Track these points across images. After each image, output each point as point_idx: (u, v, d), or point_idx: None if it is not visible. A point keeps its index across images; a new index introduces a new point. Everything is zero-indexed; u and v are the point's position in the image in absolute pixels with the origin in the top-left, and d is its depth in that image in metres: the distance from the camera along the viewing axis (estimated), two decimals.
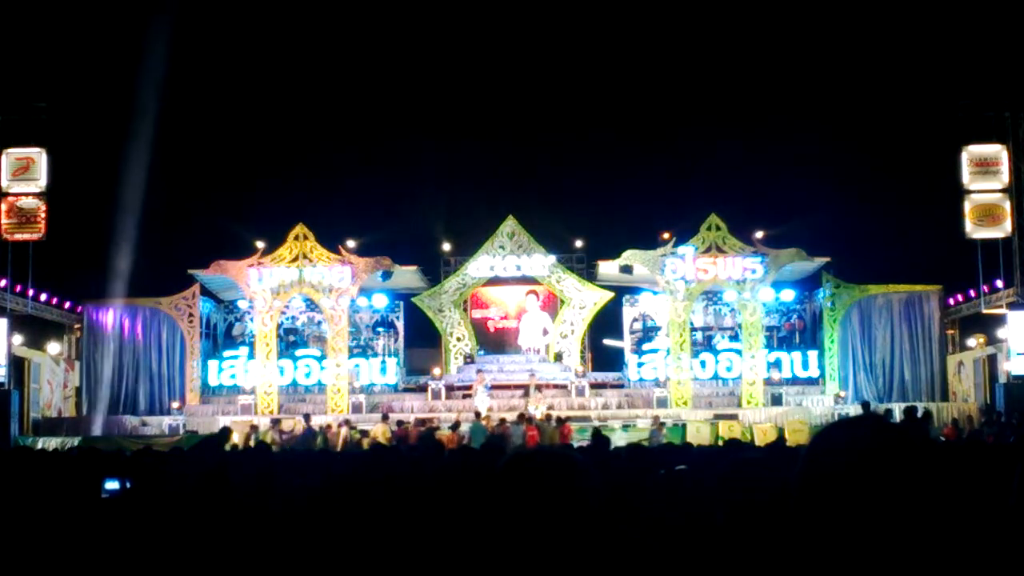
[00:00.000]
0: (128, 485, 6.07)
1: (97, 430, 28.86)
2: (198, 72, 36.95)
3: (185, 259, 31.73)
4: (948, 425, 27.02)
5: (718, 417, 28.14)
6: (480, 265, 32.95)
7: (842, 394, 30.72)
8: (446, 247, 34.39)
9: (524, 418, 25.53)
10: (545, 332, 34.12)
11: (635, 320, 34.29)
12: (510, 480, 2.33)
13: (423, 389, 31.75)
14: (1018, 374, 27.39)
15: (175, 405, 31.11)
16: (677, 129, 37.44)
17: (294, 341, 33.53)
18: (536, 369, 31.26)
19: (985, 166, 29.22)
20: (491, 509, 2.31)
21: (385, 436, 24.57)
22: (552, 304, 34.36)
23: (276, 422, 26.65)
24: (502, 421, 25.30)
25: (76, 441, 24.75)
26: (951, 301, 31.86)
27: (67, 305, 31.89)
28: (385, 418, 26.37)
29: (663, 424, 25.85)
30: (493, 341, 34.54)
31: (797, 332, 33.61)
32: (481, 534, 2.30)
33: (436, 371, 32.28)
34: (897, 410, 26.41)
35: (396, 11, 39.31)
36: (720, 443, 24.50)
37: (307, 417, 26.67)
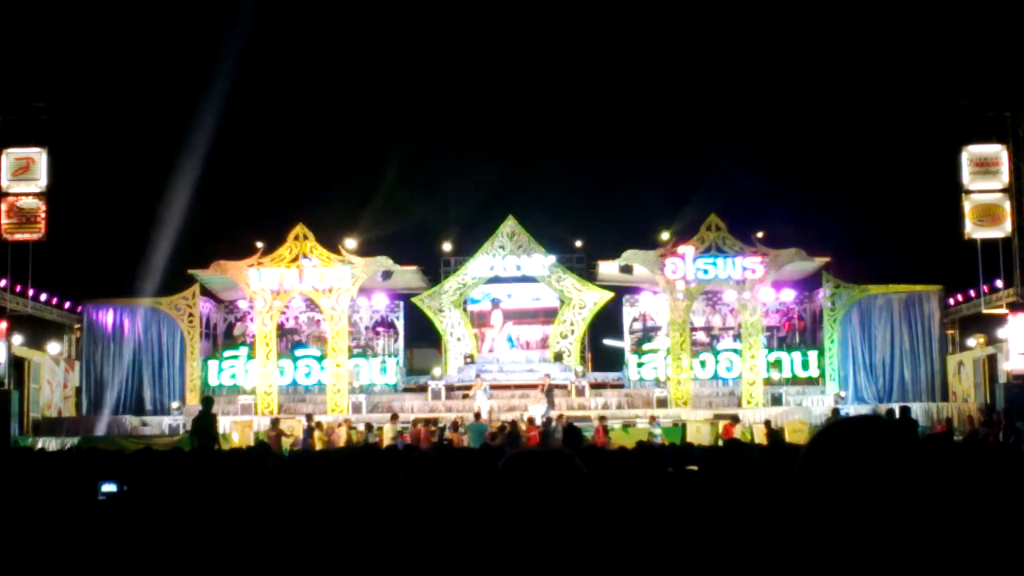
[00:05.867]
0: (125, 488, 6.05)
1: (99, 430, 28.84)
2: (197, 72, 36.95)
3: (185, 259, 31.73)
4: (942, 423, 27.06)
5: (718, 417, 28.15)
6: (480, 265, 32.95)
7: (842, 394, 30.72)
8: (446, 247, 34.38)
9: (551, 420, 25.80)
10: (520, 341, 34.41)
11: (635, 320, 34.31)
12: (510, 479, 2.33)
13: (423, 389, 31.76)
14: (1018, 374, 27.38)
15: (175, 405, 31.11)
16: (677, 129, 37.45)
17: (297, 341, 33.57)
18: (543, 370, 31.23)
19: (985, 166, 29.21)
20: (491, 507, 2.31)
21: (390, 436, 24.69)
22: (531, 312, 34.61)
23: (275, 422, 26.67)
24: (502, 427, 25.33)
25: (76, 441, 24.74)
26: (951, 301, 31.85)
27: (67, 305, 31.89)
28: (394, 418, 26.53)
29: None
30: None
31: (797, 332, 33.63)
32: (481, 532, 2.31)
33: (436, 371, 32.27)
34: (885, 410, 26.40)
35: (396, 11, 39.32)
36: (720, 443, 24.58)
37: (309, 417, 26.69)
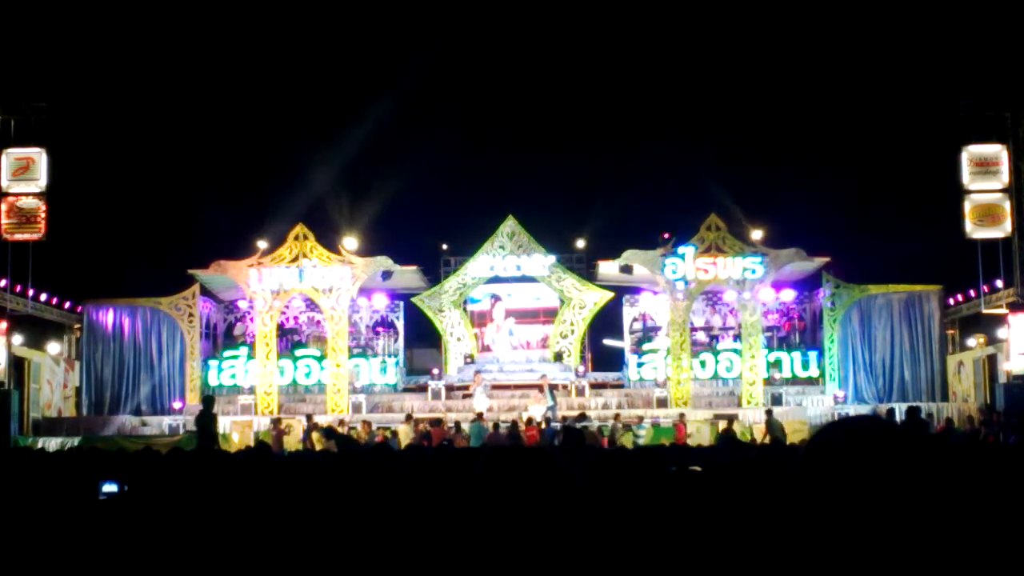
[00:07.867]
0: (125, 488, 6.05)
1: (108, 431, 28.85)
2: (198, 71, 36.98)
3: (185, 259, 31.74)
4: (942, 423, 27.09)
5: (718, 417, 28.15)
6: (480, 265, 32.93)
7: (842, 394, 30.73)
8: (446, 247, 34.37)
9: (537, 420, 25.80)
10: (516, 338, 34.43)
11: (635, 320, 34.30)
12: (489, 475, 2.34)
13: (423, 389, 31.75)
14: (1018, 374, 27.38)
15: (176, 405, 31.13)
16: (678, 128, 37.45)
17: (297, 341, 33.57)
18: (543, 370, 31.25)
19: (985, 166, 29.18)
20: (471, 504, 2.32)
21: (408, 437, 24.74)
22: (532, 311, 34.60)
23: (277, 421, 26.69)
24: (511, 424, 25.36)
25: (76, 441, 24.75)
26: (951, 301, 31.85)
27: (67, 305, 31.89)
28: (409, 418, 26.55)
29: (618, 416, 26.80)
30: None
31: (797, 332, 33.62)
32: (464, 529, 2.31)
33: (436, 371, 32.26)
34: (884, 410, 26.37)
35: (394, 10, 39.32)
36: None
37: (308, 417, 26.70)
